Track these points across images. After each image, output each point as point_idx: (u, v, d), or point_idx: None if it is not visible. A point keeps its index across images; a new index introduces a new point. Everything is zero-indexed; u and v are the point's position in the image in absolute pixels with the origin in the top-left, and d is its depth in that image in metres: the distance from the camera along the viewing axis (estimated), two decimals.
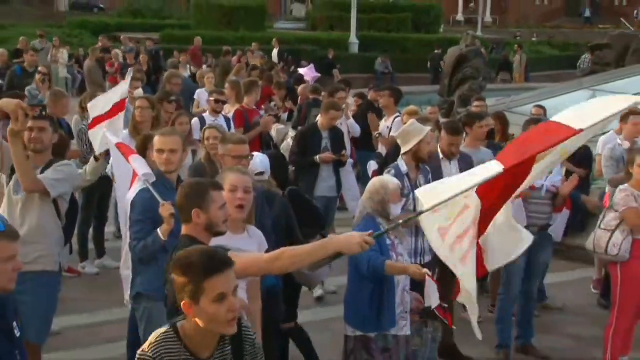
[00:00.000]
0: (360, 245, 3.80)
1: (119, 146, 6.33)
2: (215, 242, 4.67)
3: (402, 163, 7.05)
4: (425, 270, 5.51)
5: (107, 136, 6.70)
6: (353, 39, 35.19)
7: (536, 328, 7.70)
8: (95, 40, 29.45)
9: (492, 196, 4.51)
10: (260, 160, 6.20)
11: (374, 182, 6.02)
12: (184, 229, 4.25)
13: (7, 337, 3.48)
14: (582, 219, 9.52)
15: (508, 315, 7.44)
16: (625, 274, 6.85)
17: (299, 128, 11.33)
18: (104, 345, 7.24)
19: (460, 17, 68.96)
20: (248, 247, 4.83)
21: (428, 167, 7.16)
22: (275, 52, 27.56)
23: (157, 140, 5.76)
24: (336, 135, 9.22)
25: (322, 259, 3.90)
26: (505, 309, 7.44)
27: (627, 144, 8.58)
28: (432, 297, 5.60)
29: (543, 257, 7.54)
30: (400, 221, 5.10)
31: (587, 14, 71.57)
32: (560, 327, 8.28)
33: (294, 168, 8.88)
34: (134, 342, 5.64)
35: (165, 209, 5.20)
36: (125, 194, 6.04)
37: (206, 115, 9.93)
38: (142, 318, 5.57)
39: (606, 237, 6.86)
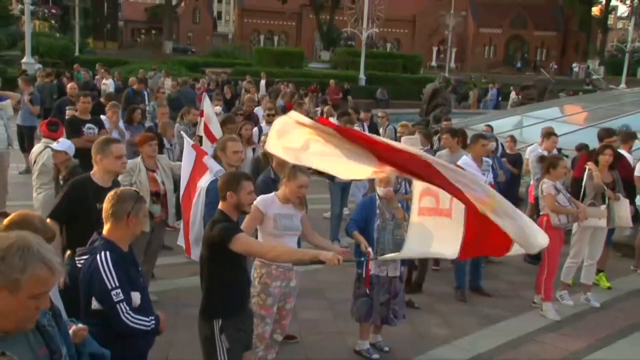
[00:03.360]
0: (335, 258, 3.66)
1: (194, 147, 5.96)
2: (278, 210, 4.68)
3: None
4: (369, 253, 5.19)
5: (183, 137, 6.42)
6: (362, 75, 34.77)
7: (483, 275, 7.60)
8: (189, 73, 29.35)
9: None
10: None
11: None
12: (220, 205, 4.08)
13: (136, 268, 3.47)
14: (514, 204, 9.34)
15: (464, 266, 7.32)
16: (551, 241, 6.79)
17: None
18: (190, 277, 7.19)
19: (434, 63, 68.73)
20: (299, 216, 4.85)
21: None
22: (262, 83, 24.48)
23: (234, 145, 5.58)
24: None
25: (305, 262, 3.79)
26: (462, 262, 7.30)
27: (545, 153, 8.58)
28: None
29: None
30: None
31: (519, 65, 72.08)
32: (499, 275, 8.14)
33: None
34: None
35: None
36: (186, 179, 5.84)
37: (263, 124, 9.82)
38: None
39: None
